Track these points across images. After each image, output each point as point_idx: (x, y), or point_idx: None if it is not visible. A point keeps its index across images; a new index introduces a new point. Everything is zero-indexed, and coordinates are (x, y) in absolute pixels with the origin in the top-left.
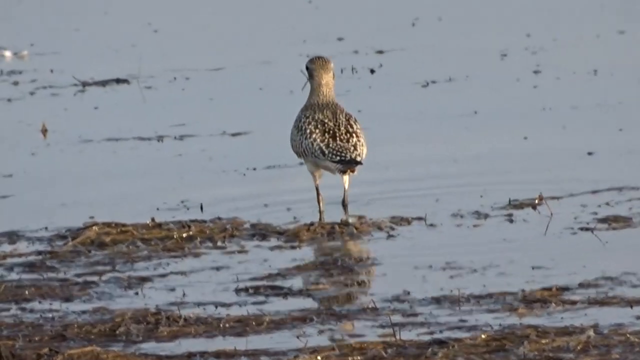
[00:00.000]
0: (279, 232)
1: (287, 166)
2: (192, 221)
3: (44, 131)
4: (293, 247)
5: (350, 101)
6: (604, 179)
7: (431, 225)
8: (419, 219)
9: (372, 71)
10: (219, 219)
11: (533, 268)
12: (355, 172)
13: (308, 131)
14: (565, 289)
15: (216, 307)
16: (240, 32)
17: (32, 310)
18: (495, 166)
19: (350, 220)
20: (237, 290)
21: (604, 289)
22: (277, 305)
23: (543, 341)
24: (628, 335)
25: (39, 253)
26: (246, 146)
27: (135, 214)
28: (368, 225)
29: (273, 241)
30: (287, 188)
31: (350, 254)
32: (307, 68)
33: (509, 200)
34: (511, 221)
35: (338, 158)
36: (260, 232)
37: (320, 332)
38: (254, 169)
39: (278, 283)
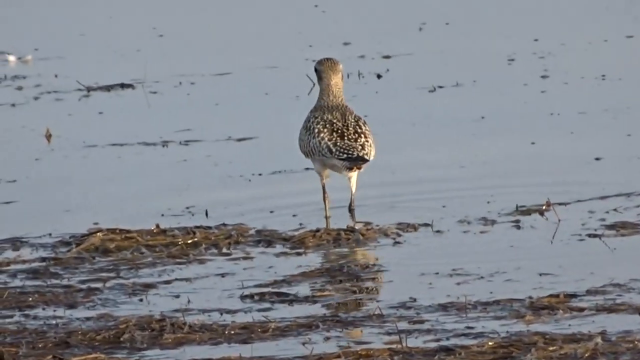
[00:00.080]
0: (285, 239)
1: (293, 172)
2: (197, 227)
3: (48, 136)
4: (299, 254)
5: (356, 106)
6: (611, 184)
7: (438, 231)
8: (426, 225)
9: (379, 76)
10: (224, 225)
11: (540, 275)
12: (362, 169)
13: (316, 130)
14: (573, 295)
15: (221, 313)
16: (246, 36)
17: (35, 317)
18: (502, 172)
19: (357, 226)
20: (243, 297)
21: (611, 295)
22: (283, 312)
23: (550, 348)
24: (636, 342)
25: (43, 259)
26: (252, 151)
27: (139, 220)
28: (374, 231)
29: (278, 247)
30: (293, 194)
31: (356, 261)
32: (315, 70)
33: (517, 207)
34: (518, 227)
35: (345, 155)
36: (266, 238)
37: (326, 339)
38: (260, 174)
39: (283, 290)
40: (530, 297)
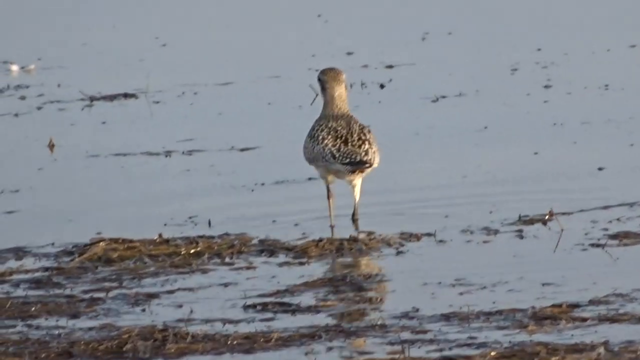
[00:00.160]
0: (288, 248)
1: (296, 182)
2: (199, 237)
3: (51, 146)
4: (301, 264)
5: (359, 116)
6: (614, 194)
7: (441, 241)
8: (429, 235)
9: (382, 86)
10: (227, 234)
11: (543, 285)
12: (365, 174)
13: (320, 137)
14: (576, 305)
15: (224, 323)
16: (249, 46)
17: (38, 327)
18: (505, 181)
19: (359, 236)
20: (245, 307)
21: (614, 305)
22: (286, 322)
23: (553, 358)
24: (639, 353)
25: (46, 269)
26: (255, 161)
27: (142, 230)
28: (377, 241)
29: (281, 257)
30: (296, 204)
31: (359, 271)
32: (319, 80)
33: (519, 216)
34: (521, 237)
35: (348, 160)
36: (269, 248)
37: (329, 349)
38: (263, 184)
39: (286, 299)
40: (533, 307)
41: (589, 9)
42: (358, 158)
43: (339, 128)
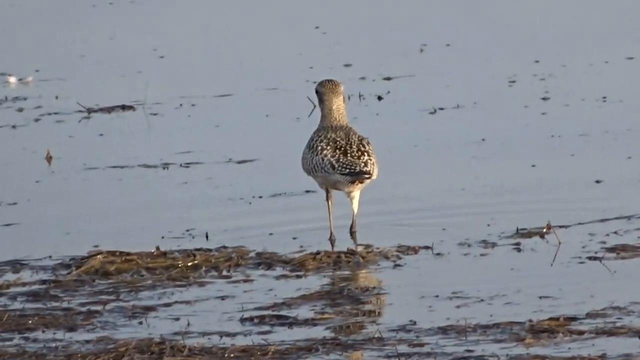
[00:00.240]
0: (285, 261)
1: (294, 194)
2: (197, 250)
3: (49, 158)
4: (299, 277)
5: (357, 128)
6: (612, 207)
7: (438, 254)
8: (426, 248)
9: (380, 98)
10: (225, 247)
11: (540, 298)
12: (364, 185)
13: (319, 148)
14: (573, 318)
15: (221, 336)
16: (247, 58)
17: (35, 340)
18: (503, 194)
19: (357, 249)
20: (242, 320)
21: (612, 319)
22: (283, 335)
23: None
24: None
25: (43, 282)
26: (252, 174)
27: (139, 243)
28: (374, 254)
29: (279, 270)
30: (293, 216)
31: (356, 283)
32: (316, 91)
33: (517, 229)
34: (519, 250)
35: (347, 171)
36: (266, 261)
37: None
38: (260, 196)
39: (283, 312)
40: (530, 320)
41: (586, 21)
42: (357, 169)
43: (338, 139)
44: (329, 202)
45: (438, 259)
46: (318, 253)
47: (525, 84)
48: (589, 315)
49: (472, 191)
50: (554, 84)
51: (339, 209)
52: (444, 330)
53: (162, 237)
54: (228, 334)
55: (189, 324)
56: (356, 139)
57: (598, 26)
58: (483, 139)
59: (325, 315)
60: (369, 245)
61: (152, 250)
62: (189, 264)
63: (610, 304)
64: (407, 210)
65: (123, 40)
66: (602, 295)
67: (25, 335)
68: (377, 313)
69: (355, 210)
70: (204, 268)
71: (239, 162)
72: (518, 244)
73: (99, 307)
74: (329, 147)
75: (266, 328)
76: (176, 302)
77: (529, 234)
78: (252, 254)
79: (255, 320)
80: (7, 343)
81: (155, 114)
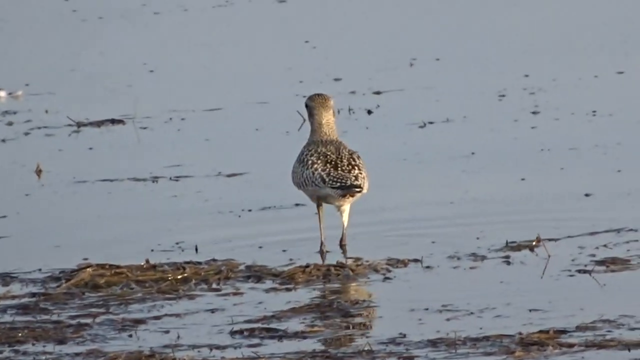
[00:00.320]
0: (274, 274)
1: (283, 207)
2: (186, 263)
3: (39, 172)
4: (288, 289)
5: (347, 142)
6: (602, 220)
7: (428, 267)
8: (416, 261)
9: (369, 112)
10: (214, 260)
11: (530, 310)
12: (355, 198)
13: (310, 162)
14: (563, 331)
15: (211, 349)
16: (237, 72)
17: (25, 353)
18: (492, 208)
19: (347, 262)
20: (232, 333)
21: (601, 331)
22: (272, 348)
23: None
24: None
25: (33, 295)
26: (242, 187)
27: (129, 256)
28: (364, 267)
29: (268, 283)
30: (283, 229)
31: (346, 296)
32: (306, 105)
33: (506, 242)
34: (508, 263)
35: (338, 184)
36: (256, 274)
37: None
38: (250, 210)
39: (273, 325)
40: (520, 333)
41: (576, 35)
42: (348, 182)
43: (329, 153)
44: (320, 213)
45: (428, 272)
46: (308, 266)
47: (515, 98)
48: (578, 328)
49: (461, 204)
50: (543, 98)
51: (329, 220)
52: (433, 343)
53: (152, 250)
54: (218, 347)
55: (178, 337)
56: (346, 153)
57: (588, 40)
58: (473, 153)
59: (315, 328)
60: (359, 258)
61: (142, 263)
62: (179, 277)
63: (600, 317)
64: (396, 223)
65: (113, 55)
66: (592, 308)
67: (15, 348)
68: (366, 326)
69: (346, 224)
70: (193, 281)
71: (229, 176)
72: (508, 257)
73: (88, 320)
74: (319, 161)
75: (256, 341)
76: (166, 315)
77: (518, 247)
78: (241, 267)
79: (245, 333)
80: None
81: (145, 128)
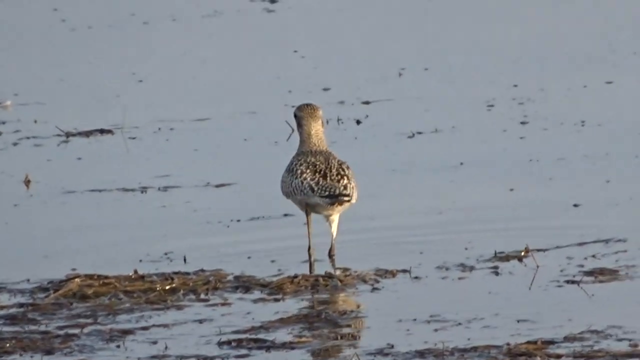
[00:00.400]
0: (263, 285)
1: (272, 218)
2: (175, 273)
3: (27, 182)
4: (277, 300)
5: (336, 152)
6: (590, 231)
7: (416, 277)
8: (404, 271)
9: (358, 122)
10: (203, 271)
11: (518, 321)
12: (344, 207)
13: (299, 172)
14: (551, 342)
15: None
16: (225, 82)
17: None
18: (481, 218)
19: (335, 272)
20: (220, 343)
21: (589, 342)
22: (260, 359)
23: None
24: None
25: (21, 305)
26: (230, 198)
27: (117, 266)
28: (352, 277)
29: (256, 293)
30: (272, 240)
31: (334, 307)
32: (295, 116)
33: (495, 253)
34: (497, 274)
35: (327, 193)
36: (244, 284)
37: None
38: (238, 220)
39: (261, 336)
40: (508, 344)
41: (565, 45)
42: (337, 191)
43: (318, 163)
44: (309, 220)
45: (416, 283)
46: (296, 276)
47: (504, 108)
48: (566, 339)
49: (450, 215)
50: (532, 108)
51: (318, 228)
52: (421, 354)
53: (140, 261)
54: (206, 358)
55: (166, 348)
56: (336, 163)
57: (576, 51)
58: (461, 163)
59: (303, 339)
60: (347, 268)
61: (130, 274)
62: (167, 287)
63: (588, 328)
64: (385, 233)
65: (102, 65)
66: (580, 319)
67: (3, 358)
68: (354, 336)
69: (334, 234)
70: (181, 291)
71: (217, 186)
72: (496, 267)
73: (76, 331)
74: (308, 171)
75: (244, 351)
76: (154, 325)
77: (507, 258)
78: (230, 277)
79: (233, 344)
80: None
81: (134, 138)
